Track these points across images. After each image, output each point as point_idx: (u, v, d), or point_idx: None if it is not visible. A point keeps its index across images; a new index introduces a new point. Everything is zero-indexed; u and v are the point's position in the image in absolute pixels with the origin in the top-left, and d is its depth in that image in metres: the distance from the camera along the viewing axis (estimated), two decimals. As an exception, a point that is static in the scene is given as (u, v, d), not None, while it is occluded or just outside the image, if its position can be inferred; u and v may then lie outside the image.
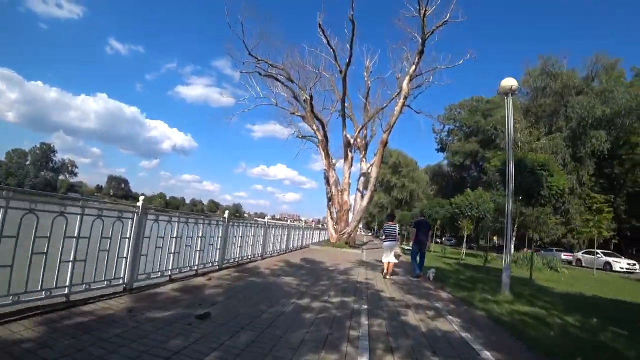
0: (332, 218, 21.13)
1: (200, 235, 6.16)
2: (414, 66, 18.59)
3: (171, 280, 5.25)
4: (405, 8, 17.65)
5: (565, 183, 10.63)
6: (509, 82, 7.50)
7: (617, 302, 8.13)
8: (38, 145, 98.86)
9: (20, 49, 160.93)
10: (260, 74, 21.26)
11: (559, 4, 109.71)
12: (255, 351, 2.88)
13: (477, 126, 45.39)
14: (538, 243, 35.09)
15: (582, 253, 26.51)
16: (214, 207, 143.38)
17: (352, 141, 22.33)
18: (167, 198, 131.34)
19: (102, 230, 3.98)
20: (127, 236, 4.42)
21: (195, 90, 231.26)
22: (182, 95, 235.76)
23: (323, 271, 8.66)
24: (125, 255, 4.38)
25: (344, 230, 20.09)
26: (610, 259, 23.46)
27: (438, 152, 59.36)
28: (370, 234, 71.13)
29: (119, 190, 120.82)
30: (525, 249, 25.57)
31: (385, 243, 8.86)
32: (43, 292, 3.30)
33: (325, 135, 21.42)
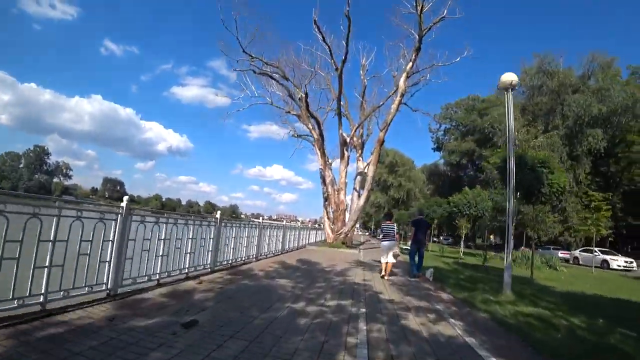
0: (328, 218, 20.87)
1: (190, 236, 5.91)
2: (411, 63, 18.42)
3: (159, 285, 4.99)
4: (402, 5, 17.54)
5: (566, 180, 10.47)
6: (509, 77, 7.33)
7: (618, 301, 7.99)
8: (32, 148, 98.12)
9: (13, 51, 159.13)
10: (254, 72, 21.02)
11: (555, 3, 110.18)
12: (244, 363, 2.64)
13: (474, 125, 45.42)
14: (535, 241, 35.05)
15: (580, 251, 26.47)
16: (211, 208, 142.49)
17: (348, 140, 22.12)
18: (163, 200, 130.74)
19: (81, 233, 3.72)
20: (110, 239, 4.17)
21: (191, 91, 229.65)
22: (178, 96, 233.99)
23: (319, 272, 8.43)
24: (108, 260, 4.12)
25: (341, 230, 19.85)
26: (607, 257, 23.41)
27: (434, 151, 59.59)
28: (367, 233, 70.93)
29: (114, 193, 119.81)
30: (523, 248, 25.45)
31: (383, 243, 8.62)
32: (15, 301, 3.04)
33: (321, 134, 21.16)
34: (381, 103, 23.03)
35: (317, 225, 32.23)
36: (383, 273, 8.33)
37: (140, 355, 2.57)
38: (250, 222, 9.85)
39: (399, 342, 3.49)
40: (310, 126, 21.30)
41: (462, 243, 22.65)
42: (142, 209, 5.66)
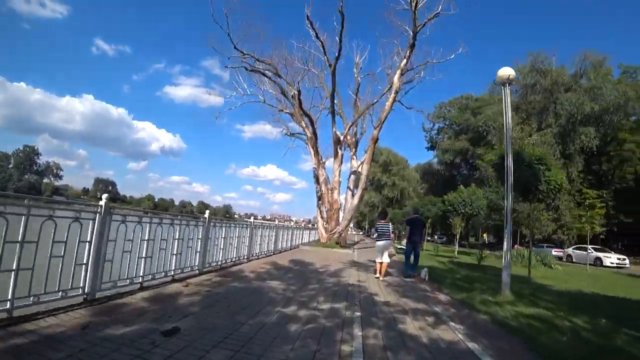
0: (322, 217, 20.59)
1: (177, 237, 5.63)
2: (405, 60, 18.23)
3: (142, 288, 4.71)
4: (397, 1, 17.29)
5: (563, 177, 10.35)
6: (506, 71, 7.12)
7: (616, 299, 7.86)
8: (21, 148, 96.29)
9: (2, 50, 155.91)
10: (246, 69, 20.68)
11: (548, 2, 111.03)
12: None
13: (467, 124, 45.54)
14: (528, 240, 35.23)
15: (573, 249, 26.55)
16: (204, 208, 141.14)
17: (342, 138, 21.85)
18: (156, 200, 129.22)
19: (54, 234, 3.44)
20: (88, 240, 3.88)
21: (184, 90, 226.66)
22: (171, 95, 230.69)
23: (312, 273, 8.18)
24: (85, 262, 3.84)
25: (335, 230, 19.60)
26: (600, 255, 23.46)
27: (428, 150, 59.72)
28: (361, 233, 70.82)
29: (106, 193, 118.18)
30: (517, 246, 25.48)
31: (378, 243, 8.39)
32: (-23, 308, 2.77)
33: (314, 133, 20.89)
34: (375, 100, 22.79)
35: (310, 225, 31.94)
36: (378, 274, 8.12)
37: (110, 370, 2.30)
38: (241, 222, 9.56)
39: (397, 349, 3.25)
40: (303, 124, 21.02)
41: (456, 242, 22.52)
42: (124, 208, 5.34)
